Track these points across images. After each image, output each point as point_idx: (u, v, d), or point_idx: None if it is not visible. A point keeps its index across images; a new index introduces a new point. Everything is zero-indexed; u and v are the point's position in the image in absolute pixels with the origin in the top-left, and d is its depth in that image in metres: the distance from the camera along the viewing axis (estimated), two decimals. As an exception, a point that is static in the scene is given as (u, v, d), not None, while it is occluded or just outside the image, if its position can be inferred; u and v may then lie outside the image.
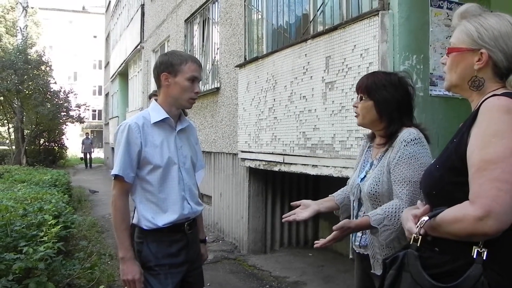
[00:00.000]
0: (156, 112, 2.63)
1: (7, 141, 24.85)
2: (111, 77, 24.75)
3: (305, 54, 5.05)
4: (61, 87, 22.97)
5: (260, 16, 6.75)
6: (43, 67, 21.66)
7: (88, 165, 25.29)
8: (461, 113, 3.52)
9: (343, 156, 4.38)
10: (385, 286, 1.64)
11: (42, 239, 3.92)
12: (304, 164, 5.09)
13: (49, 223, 4.25)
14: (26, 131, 21.64)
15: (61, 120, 23.27)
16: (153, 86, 13.41)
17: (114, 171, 2.52)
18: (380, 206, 2.19)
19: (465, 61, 1.64)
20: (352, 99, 4.17)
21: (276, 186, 7.22)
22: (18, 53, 19.97)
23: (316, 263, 6.41)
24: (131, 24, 18.15)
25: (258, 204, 7.05)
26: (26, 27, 24.20)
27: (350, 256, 2.62)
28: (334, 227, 2.08)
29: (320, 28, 5.06)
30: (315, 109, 4.83)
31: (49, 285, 3.64)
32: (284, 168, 5.63)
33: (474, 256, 1.45)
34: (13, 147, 21.84)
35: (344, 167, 4.39)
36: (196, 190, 2.79)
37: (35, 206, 5.01)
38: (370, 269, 2.31)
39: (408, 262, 1.57)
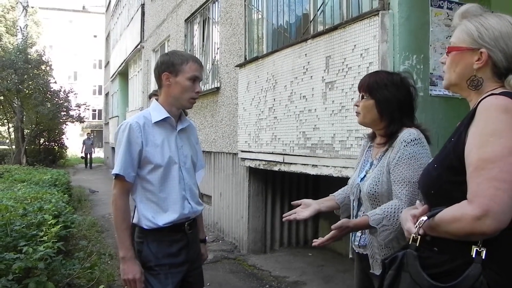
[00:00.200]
0: (157, 111, 2.63)
1: (7, 141, 24.85)
2: (111, 77, 24.74)
3: (305, 54, 5.05)
4: (61, 87, 22.98)
5: (260, 16, 6.75)
6: (43, 67, 21.66)
7: (88, 165, 25.24)
8: (461, 113, 3.50)
9: (343, 156, 4.38)
10: (385, 286, 1.64)
11: (42, 239, 3.92)
12: (304, 164, 5.09)
13: (49, 222, 4.25)
14: (26, 131, 21.64)
15: (61, 120, 23.27)
16: (153, 86, 13.42)
17: (115, 170, 2.52)
18: (380, 206, 2.19)
19: (464, 60, 1.64)
20: (352, 99, 4.17)
21: (276, 186, 7.22)
22: (18, 53, 19.97)
23: (316, 263, 6.42)
24: (131, 23, 18.15)
25: (258, 204, 7.05)
26: (26, 27, 24.21)
27: (350, 256, 2.62)
28: (332, 226, 2.08)
29: (320, 28, 5.06)
30: (315, 109, 4.83)
31: (48, 285, 3.64)
32: (284, 168, 5.63)
33: (473, 256, 1.45)
34: (13, 146, 21.84)
35: (344, 167, 4.39)
36: (197, 190, 2.79)
37: (35, 205, 5.01)
38: (369, 269, 2.32)
39: (407, 262, 1.57)
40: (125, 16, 20.15)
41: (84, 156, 25.59)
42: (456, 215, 1.46)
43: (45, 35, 37.99)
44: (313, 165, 4.92)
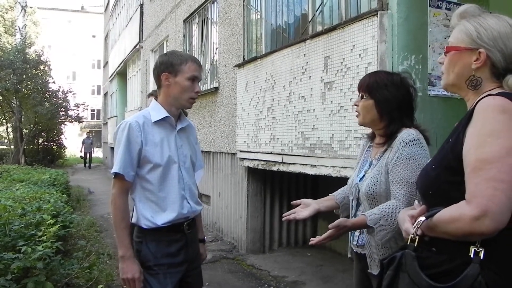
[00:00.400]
0: (157, 111, 2.63)
1: (6, 141, 24.80)
2: (110, 77, 24.72)
3: (304, 54, 5.05)
4: (59, 87, 22.98)
5: (259, 16, 6.75)
6: (41, 67, 21.64)
7: (87, 164, 25.21)
8: (459, 112, 3.50)
9: (342, 156, 4.38)
10: (383, 287, 1.64)
11: (41, 239, 3.92)
12: (303, 164, 5.10)
13: (47, 222, 4.26)
14: (24, 131, 21.61)
15: (59, 120, 23.24)
16: (152, 86, 13.42)
17: (115, 169, 2.52)
18: (378, 206, 2.20)
19: (463, 60, 1.64)
20: (350, 99, 4.18)
21: (274, 186, 7.22)
22: (16, 53, 19.95)
23: (315, 263, 6.42)
24: (130, 23, 18.14)
25: (257, 204, 7.05)
26: (25, 27, 24.22)
27: (349, 255, 2.63)
28: (330, 226, 2.09)
29: (319, 28, 5.07)
30: (314, 109, 4.83)
31: (47, 285, 3.64)
32: (282, 168, 5.63)
33: (471, 256, 1.46)
34: (12, 146, 21.81)
35: (342, 167, 4.39)
36: (196, 190, 2.79)
37: (34, 205, 5.01)
38: (368, 268, 2.32)
39: (405, 262, 1.57)
40: (124, 16, 20.14)
41: (83, 155, 25.54)
42: (454, 215, 1.46)
43: (43, 35, 37.97)
44: (311, 165, 4.92)
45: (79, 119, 24.34)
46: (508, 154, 1.41)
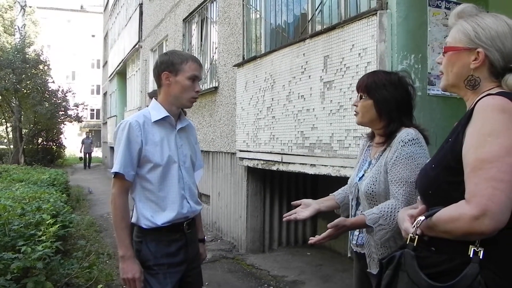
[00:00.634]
0: (157, 110, 2.63)
1: (5, 140, 24.80)
2: (109, 76, 24.71)
3: (303, 54, 5.05)
4: (59, 86, 22.95)
5: (258, 16, 6.75)
6: (41, 66, 21.63)
7: (87, 165, 25.13)
8: (459, 112, 3.52)
9: (341, 155, 4.38)
10: (382, 286, 1.64)
11: (40, 239, 3.92)
12: (302, 163, 5.10)
13: (47, 222, 4.25)
14: (24, 130, 21.59)
15: (59, 119, 23.20)
16: (151, 85, 13.43)
17: (115, 168, 2.52)
18: (377, 205, 2.20)
19: (461, 60, 1.64)
20: (350, 98, 4.18)
21: (274, 186, 7.22)
22: (16, 52, 19.95)
23: (315, 262, 6.42)
24: (129, 23, 18.13)
25: (256, 204, 7.05)
26: (24, 26, 24.23)
27: (349, 255, 2.63)
28: (329, 225, 2.09)
29: (318, 28, 5.07)
30: (313, 109, 4.83)
31: (47, 285, 3.64)
32: (282, 168, 5.63)
33: (471, 255, 1.45)
34: (11, 146, 21.80)
35: (342, 166, 4.39)
36: (196, 189, 2.79)
37: (33, 205, 5.01)
38: (367, 268, 2.32)
39: (404, 262, 1.57)
40: (123, 16, 20.13)
41: (83, 156, 25.42)
42: (454, 215, 1.46)
43: (43, 35, 37.97)
44: (311, 164, 4.92)
45: (78, 119, 24.31)
46: (508, 154, 1.41)
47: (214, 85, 8.40)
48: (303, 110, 5.04)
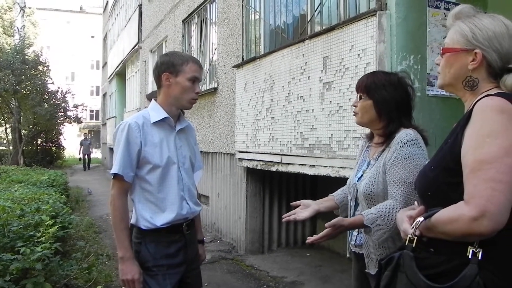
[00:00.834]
0: (156, 111, 2.62)
1: (5, 142, 24.80)
2: (109, 77, 24.71)
3: (303, 55, 5.05)
4: (58, 87, 22.94)
5: (257, 16, 6.75)
6: (40, 67, 21.62)
7: (87, 166, 25.03)
8: (458, 113, 3.50)
9: (341, 156, 4.38)
10: (381, 287, 1.64)
11: (40, 240, 3.91)
12: (302, 164, 5.10)
13: (46, 223, 4.25)
14: (23, 132, 21.58)
15: (58, 121, 23.19)
16: (150, 86, 13.43)
17: (114, 170, 2.51)
18: (375, 206, 2.20)
19: (459, 61, 1.65)
20: (349, 99, 4.18)
21: (273, 186, 7.22)
22: (15, 53, 19.94)
23: (314, 263, 6.42)
24: (128, 24, 18.13)
25: (256, 204, 7.05)
26: (24, 27, 24.22)
27: (347, 255, 2.63)
28: (326, 224, 2.09)
29: (317, 28, 5.07)
30: (313, 109, 4.83)
31: (46, 286, 3.64)
32: (281, 168, 5.63)
33: (470, 256, 1.45)
34: (11, 147, 21.79)
35: (341, 167, 4.39)
36: (195, 190, 2.79)
37: (33, 206, 5.00)
38: (365, 268, 2.32)
39: (403, 263, 1.57)
40: (123, 17, 20.13)
41: (82, 157, 25.30)
42: (453, 216, 1.46)
43: (42, 36, 37.96)
44: (310, 165, 4.92)
45: (78, 120, 24.28)
46: (507, 154, 1.41)
47: (213, 86, 8.40)
48: (302, 111, 5.04)
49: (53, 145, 25.57)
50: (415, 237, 1.58)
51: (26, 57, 20.72)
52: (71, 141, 32.58)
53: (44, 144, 24.72)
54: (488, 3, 4.23)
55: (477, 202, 1.39)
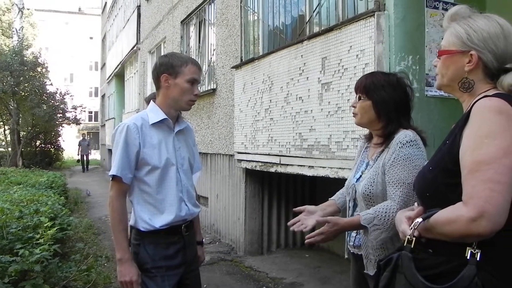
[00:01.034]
0: (154, 113, 2.62)
1: (3, 143, 24.75)
2: (108, 79, 24.71)
3: (301, 55, 5.05)
4: (57, 89, 22.89)
5: (256, 17, 6.75)
6: (39, 69, 21.58)
7: (85, 167, 24.99)
8: (456, 113, 3.50)
9: (339, 157, 4.38)
10: (379, 288, 1.64)
11: (38, 241, 3.91)
12: (301, 165, 5.10)
13: (45, 225, 4.24)
14: (22, 133, 21.54)
15: (57, 122, 23.14)
16: (149, 88, 13.43)
17: (112, 171, 2.51)
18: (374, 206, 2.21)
19: (455, 63, 1.65)
20: (348, 100, 4.18)
21: (272, 187, 7.22)
22: (14, 55, 19.89)
23: (313, 264, 6.42)
24: (127, 25, 18.12)
25: (255, 206, 7.04)
26: (22, 29, 24.17)
27: (346, 256, 2.62)
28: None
29: (316, 29, 5.07)
30: (311, 110, 4.83)
31: (45, 287, 3.63)
32: (280, 169, 5.63)
33: (468, 257, 1.45)
34: (9, 149, 21.76)
35: (340, 168, 4.39)
36: (194, 192, 2.79)
37: (31, 208, 4.99)
38: (364, 269, 2.32)
39: (402, 263, 1.57)
40: (121, 18, 20.12)
41: (80, 159, 25.24)
42: (451, 217, 1.46)
43: (41, 37, 37.89)
44: (309, 166, 4.92)
45: (76, 121, 24.27)
46: (505, 155, 1.41)
47: (212, 87, 8.40)
48: (301, 112, 5.04)
49: (52, 146, 25.51)
50: (414, 238, 1.57)
51: (25, 58, 20.68)
52: (70, 142, 32.52)
53: (42, 145, 24.66)
54: (487, 2, 4.23)
55: (476, 203, 1.39)
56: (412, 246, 1.58)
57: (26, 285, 3.52)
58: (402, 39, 3.88)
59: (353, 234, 2.42)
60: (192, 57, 3.27)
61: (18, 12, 23.76)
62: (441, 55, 1.71)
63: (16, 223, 4.21)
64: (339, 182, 3.14)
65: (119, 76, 21.34)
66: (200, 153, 7.03)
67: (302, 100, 5.01)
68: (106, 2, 26.64)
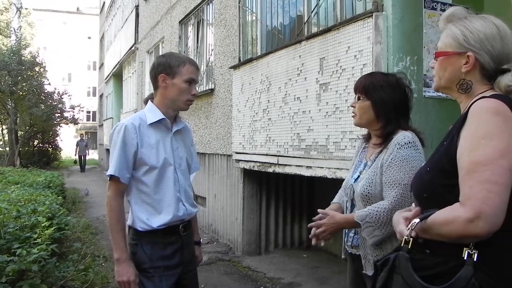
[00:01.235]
0: (152, 113, 2.62)
1: (1, 143, 24.70)
2: (106, 79, 24.68)
3: (299, 56, 5.06)
4: (55, 88, 22.84)
5: (254, 18, 6.75)
6: (37, 68, 21.53)
7: (83, 167, 24.93)
8: (454, 114, 3.51)
9: (337, 157, 4.38)
10: (376, 288, 1.65)
11: (36, 241, 3.90)
12: (298, 165, 5.10)
13: (42, 225, 4.23)
14: (20, 133, 21.50)
15: (55, 122, 23.12)
16: (147, 87, 13.42)
17: (110, 171, 2.51)
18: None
19: (452, 65, 1.65)
20: (346, 100, 4.19)
21: (270, 188, 7.22)
22: (12, 54, 19.85)
23: (311, 264, 6.42)
24: (125, 25, 18.11)
25: (253, 206, 7.05)
26: (20, 28, 24.10)
27: (343, 256, 2.62)
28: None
29: (314, 30, 5.07)
30: (309, 111, 4.84)
31: (42, 287, 3.62)
32: (278, 169, 5.63)
33: (465, 258, 1.45)
34: (7, 148, 21.72)
35: (338, 168, 4.40)
36: (191, 192, 2.79)
37: (29, 208, 4.98)
38: (362, 269, 2.33)
39: (399, 264, 1.58)
40: (119, 18, 20.11)
41: (78, 159, 25.18)
42: (448, 217, 1.46)
43: (39, 37, 37.82)
44: (307, 166, 4.92)
45: (74, 121, 24.24)
46: (502, 156, 1.41)
47: (210, 87, 8.40)
48: (299, 112, 5.04)
49: (50, 146, 25.47)
50: (411, 239, 1.57)
51: (23, 58, 20.63)
52: (67, 142, 32.47)
53: (40, 145, 24.64)
54: (484, 3, 4.24)
55: (473, 204, 1.39)
56: (409, 247, 1.58)
57: (23, 284, 3.52)
58: (400, 40, 3.89)
59: (351, 234, 2.42)
60: (190, 57, 3.27)
61: (16, 11, 23.70)
62: (437, 56, 1.71)
63: (14, 223, 4.20)
64: (337, 183, 3.14)
65: (117, 76, 21.33)
66: (198, 153, 7.03)
67: (300, 100, 5.02)
68: (104, 2, 26.62)
